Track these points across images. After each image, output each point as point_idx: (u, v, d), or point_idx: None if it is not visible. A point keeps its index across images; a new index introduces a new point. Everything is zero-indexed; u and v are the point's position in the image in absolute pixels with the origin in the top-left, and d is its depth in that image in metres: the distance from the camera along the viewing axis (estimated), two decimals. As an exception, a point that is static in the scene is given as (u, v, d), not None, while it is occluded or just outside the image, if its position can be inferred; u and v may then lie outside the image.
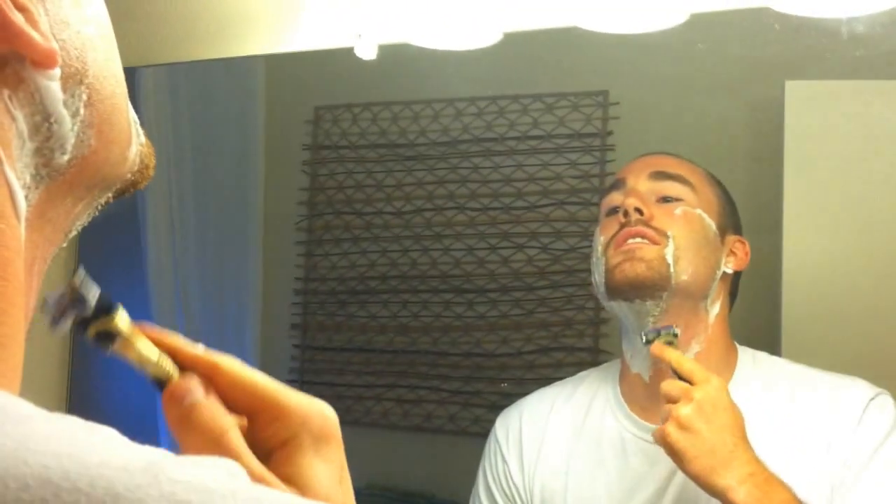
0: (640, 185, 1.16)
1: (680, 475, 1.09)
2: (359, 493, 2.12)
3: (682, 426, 1.00)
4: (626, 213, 1.13)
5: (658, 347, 1.10)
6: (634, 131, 2.13)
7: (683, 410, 1.01)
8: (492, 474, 1.27)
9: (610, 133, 2.17)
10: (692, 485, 1.06)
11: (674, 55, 2.07)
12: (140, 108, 2.30)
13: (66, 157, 0.45)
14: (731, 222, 1.20)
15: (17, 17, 0.41)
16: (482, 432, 1.37)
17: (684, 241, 1.13)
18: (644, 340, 1.11)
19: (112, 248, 2.50)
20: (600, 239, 1.18)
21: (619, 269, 1.14)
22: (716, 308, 1.16)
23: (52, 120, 0.43)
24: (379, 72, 2.37)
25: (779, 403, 1.13)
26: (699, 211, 1.16)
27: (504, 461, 1.26)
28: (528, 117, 2.26)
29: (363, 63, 2.31)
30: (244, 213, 2.57)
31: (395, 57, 2.31)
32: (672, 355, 1.09)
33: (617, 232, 1.14)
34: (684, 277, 1.12)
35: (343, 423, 2.09)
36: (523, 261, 2.22)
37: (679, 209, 1.15)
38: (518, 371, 2.16)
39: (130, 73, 2.33)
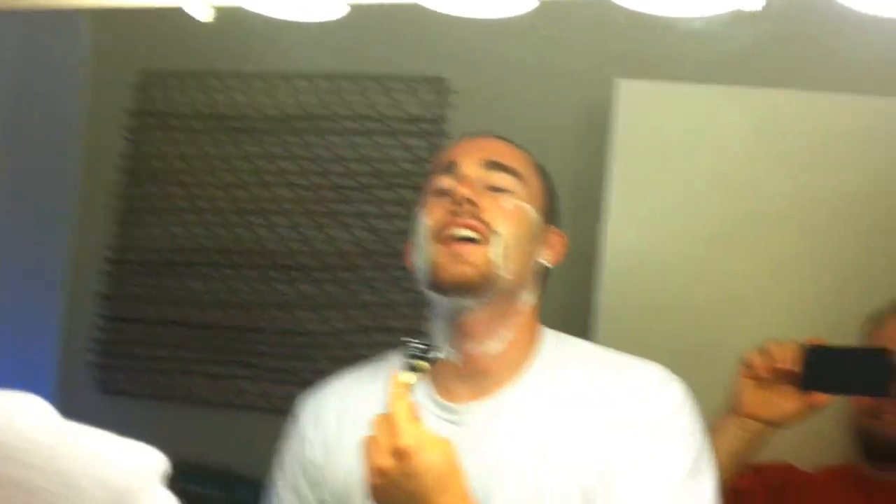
0: (472, 172, 1.13)
1: (478, 459, 1.07)
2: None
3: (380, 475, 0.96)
4: (457, 202, 1.11)
5: (395, 384, 1.02)
6: (470, 119, 2.14)
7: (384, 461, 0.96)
8: (293, 454, 1.22)
9: (446, 120, 2.17)
10: (487, 470, 1.06)
11: (512, 44, 2.09)
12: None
13: None
14: (552, 214, 1.20)
15: None
16: (292, 410, 1.34)
17: (512, 240, 1.12)
18: (406, 355, 1.04)
19: None
20: (425, 222, 1.13)
21: (444, 269, 1.11)
22: (530, 298, 1.16)
23: None
24: (212, 39, 2.29)
25: (575, 385, 1.13)
26: (528, 205, 1.15)
27: (305, 440, 1.21)
28: (365, 98, 2.24)
29: (196, 28, 2.23)
30: (60, 176, 2.43)
31: (231, 23, 2.23)
32: (399, 406, 1.00)
33: (445, 220, 1.11)
34: (508, 276, 1.11)
35: (151, 397, 2.01)
36: (350, 241, 2.19)
37: (509, 203, 1.13)
38: (337, 350, 2.13)
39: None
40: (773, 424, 1.33)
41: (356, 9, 2.06)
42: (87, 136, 2.43)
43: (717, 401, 1.37)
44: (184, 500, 2.29)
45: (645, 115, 1.84)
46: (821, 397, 1.31)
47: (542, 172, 1.21)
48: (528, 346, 1.15)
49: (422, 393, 1.13)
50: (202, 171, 2.33)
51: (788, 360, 1.33)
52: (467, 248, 1.11)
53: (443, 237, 1.12)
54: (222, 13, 2.17)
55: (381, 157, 2.20)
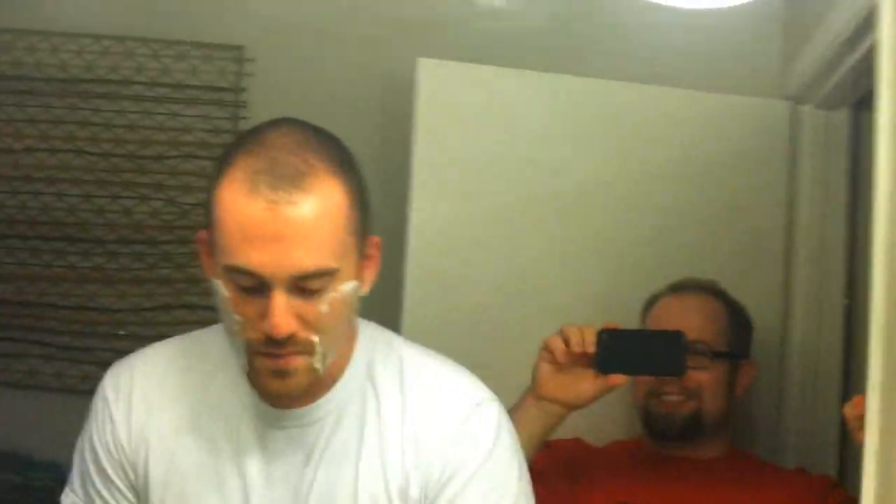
0: (282, 294, 1.03)
1: (298, 463, 1.10)
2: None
3: None
4: (276, 342, 1.05)
5: None
6: (270, 90, 2.12)
7: None
8: (98, 435, 1.14)
9: (244, 90, 2.14)
10: (306, 476, 1.09)
11: (317, 13, 2.08)
12: None
13: None
14: (364, 231, 1.11)
15: None
16: (92, 390, 1.27)
17: (330, 339, 1.06)
18: None
19: None
20: (234, 318, 1.04)
21: (266, 385, 1.08)
22: (352, 326, 1.15)
23: None
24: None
25: (390, 403, 1.13)
26: (342, 288, 1.07)
27: (111, 421, 1.13)
28: (159, 63, 2.16)
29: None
30: None
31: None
32: None
33: (262, 341, 1.05)
34: (330, 359, 1.10)
35: None
36: (147, 213, 2.13)
37: (324, 304, 1.02)
38: (136, 328, 2.08)
39: None
40: (572, 406, 1.40)
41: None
42: None
43: (516, 378, 1.44)
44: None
45: (445, 94, 1.87)
46: (617, 378, 1.37)
47: (356, 200, 1.05)
48: (345, 352, 1.15)
49: (245, 396, 1.12)
50: (-20, 134, 2.20)
51: (585, 343, 1.39)
52: (290, 365, 1.04)
53: (261, 350, 1.04)
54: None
55: (178, 125, 2.14)
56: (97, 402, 1.16)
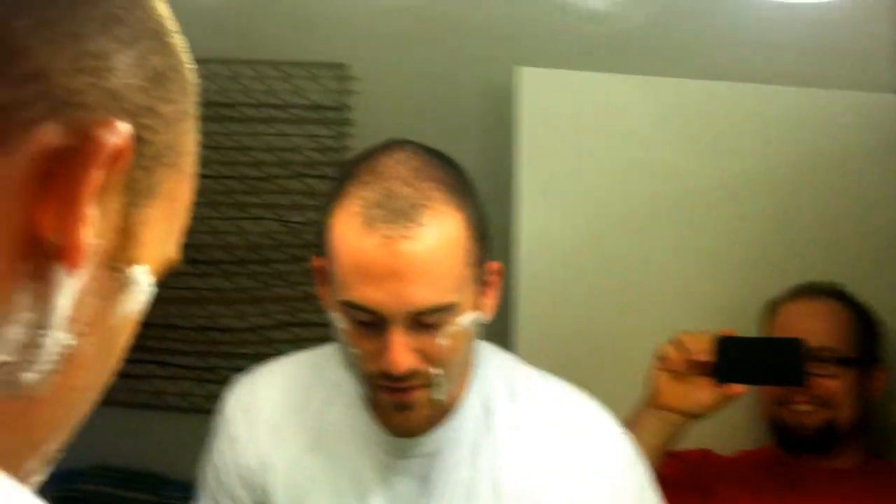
0: (401, 330, 0.99)
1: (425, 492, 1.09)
2: (84, 474, 2.04)
3: None
4: (394, 379, 1.01)
5: None
6: (373, 107, 2.14)
7: None
8: (222, 454, 1.16)
9: (348, 107, 2.16)
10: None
11: (416, 28, 2.09)
12: None
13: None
14: (483, 258, 1.08)
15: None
16: (216, 409, 1.30)
17: (450, 372, 1.03)
18: None
19: None
20: (354, 353, 1.03)
21: (391, 421, 1.06)
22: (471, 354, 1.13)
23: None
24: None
25: (501, 434, 1.11)
26: (461, 321, 1.02)
27: (236, 440, 1.15)
28: (264, 84, 2.21)
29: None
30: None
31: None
32: None
33: (380, 376, 1.04)
34: (452, 390, 1.08)
35: None
36: (260, 233, 2.18)
37: (443, 337, 1.01)
38: (255, 346, 2.13)
39: None
40: (691, 416, 1.38)
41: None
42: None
43: (632, 388, 1.42)
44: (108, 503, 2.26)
45: (547, 101, 1.86)
46: (736, 388, 1.35)
47: (474, 229, 1.02)
48: (464, 378, 1.11)
49: (365, 427, 1.13)
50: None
51: (702, 351, 1.36)
52: (411, 398, 1.03)
53: (381, 385, 1.03)
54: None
55: (286, 145, 2.18)
56: (220, 423, 1.17)
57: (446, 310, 1.00)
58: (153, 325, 2.19)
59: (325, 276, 1.05)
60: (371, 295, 0.98)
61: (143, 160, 0.43)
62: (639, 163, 1.82)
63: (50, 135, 0.38)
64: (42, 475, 0.45)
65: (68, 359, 0.41)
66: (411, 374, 1.01)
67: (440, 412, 1.07)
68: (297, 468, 1.12)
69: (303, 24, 2.20)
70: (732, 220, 1.79)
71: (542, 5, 2.01)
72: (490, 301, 1.08)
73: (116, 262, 0.43)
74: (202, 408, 2.19)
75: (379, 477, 1.12)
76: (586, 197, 1.83)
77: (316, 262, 1.08)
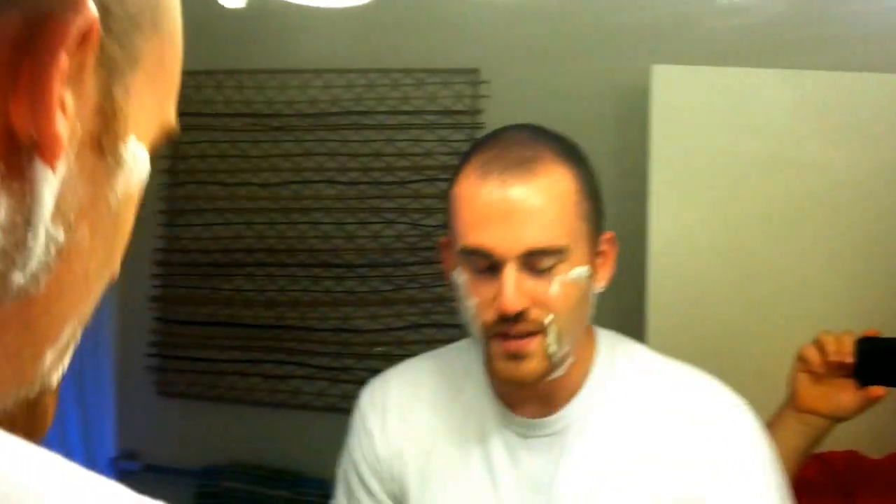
0: (514, 269, 1.07)
1: (548, 472, 1.11)
2: (224, 471, 2.10)
3: None
4: (505, 317, 1.07)
5: None
6: (504, 111, 2.14)
7: None
8: (357, 449, 1.20)
9: (480, 111, 2.18)
10: (557, 483, 1.09)
11: (546, 32, 2.09)
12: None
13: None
14: (598, 225, 1.13)
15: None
16: (351, 408, 1.34)
17: (563, 322, 1.06)
18: None
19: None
20: (471, 304, 1.07)
21: (502, 370, 1.10)
22: (587, 325, 1.15)
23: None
24: (243, 36, 2.31)
25: (638, 408, 1.14)
26: (573, 272, 1.09)
27: (369, 434, 1.19)
28: (398, 91, 2.25)
29: (228, 25, 2.25)
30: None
31: (261, 15, 2.25)
32: None
33: (494, 322, 1.08)
34: (566, 349, 1.10)
35: (206, 398, 2.05)
36: (393, 236, 2.21)
37: (555, 284, 1.05)
38: (389, 347, 2.16)
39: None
40: (833, 418, 1.32)
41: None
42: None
43: (768, 389, 1.38)
44: (247, 500, 2.35)
45: (682, 99, 1.83)
46: (878, 390, 1.28)
47: (587, 190, 1.08)
48: (586, 359, 1.16)
49: (491, 406, 1.16)
50: (242, 170, 2.36)
51: (843, 353, 1.31)
52: (524, 348, 1.06)
53: (495, 333, 1.07)
54: (252, 3, 2.16)
55: (419, 150, 2.21)
56: (355, 418, 1.21)
57: (556, 253, 1.04)
58: (290, 327, 2.27)
59: (448, 247, 1.11)
60: (487, 237, 1.04)
61: (115, 31, 0.39)
62: (776, 158, 1.77)
63: (10, 24, 0.36)
64: (62, 368, 0.43)
65: (61, 253, 0.39)
66: (523, 317, 1.04)
67: (552, 366, 1.08)
68: (428, 454, 1.16)
69: (435, 31, 2.23)
70: (875, 215, 1.72)
71: (677, 2, 1.98)
72: (605, 271, 1.12)
73: (103, 143, 0.40)
74: (337, 407, 2.25)
75: (508, 456, 1.14)
76: (722, 193, 1.79)
77: (442, 240, 1.13)
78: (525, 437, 1.14)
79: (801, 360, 1.34)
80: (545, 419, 1.13)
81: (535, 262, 1.03)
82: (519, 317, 1.05)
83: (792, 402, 1.35)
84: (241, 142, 2.36)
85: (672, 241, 1.80)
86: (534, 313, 1.05)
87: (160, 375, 2.35)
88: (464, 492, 1.14)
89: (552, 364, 1.08)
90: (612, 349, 1.17)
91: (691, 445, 1.10)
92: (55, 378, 0.42)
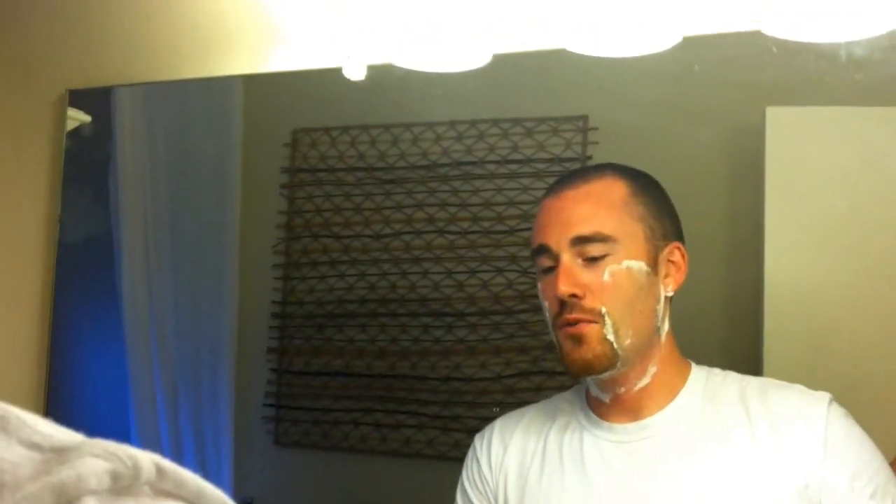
0: (566, 257, 1.18)
1: (636, 478, 1.16)
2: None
3: None
4: (559, 302, 1.19)
5: None
6: (614, 156, 2.13)
7: None
8: (467, 475, 1.34)
9: (589, 157, 2.17)
10: (642, 490, 1.13)
11: (655, 79, 2.08)
12: (116, 128, 2.28)
13: None
14: (663, 234, 1.22)
15: None
16: (461, 457, 1.42)
17: (619, 312, 1.19)
18: None
19: (87, 272, 2.48)
20: (545, 305, 1.24)
21: (568, 355, 1.22)
22: (665, 327, 1.21)
23: None
24: (358, 94, 2.37)
25: (731, 409, 1.18)
26: (626, 264, 1.18)
27: (477, 462, 1.33)
28: (509, 141, 2.26)
29: (341, 85, 2.31)
30: (221, 237, 2.55)
31: (377, 78, 2.31)
32: None
33: (555, 311, 1.19)
34: (628, 341, 1.18)
35: (320, 448, 2.09)
36: (503, 285, 2.22)
37: (606, 273, 1.16)
38: (498, 395, 2.15)
39: (107, 92, 2.31)
40: None
41: (500, 58, 2.10)
42: (244, 196, 2.54)
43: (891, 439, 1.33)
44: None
45: (797, 142, 1.79)
46: None
47: (642, 198, 1.23)
48: (675, 374, 1.23)
49: (580, 413, 1.23)
50: (355, 223, 2.40)
51: None
52: (583, 331, 1.16)
53: (559, 323, 1.19)
54: (374, 70, 2.24)
55: (528, 199, 2.21)
56: (467, 457, 1.37)
57: (603, 241, 1.16)
58: (402, 376, 2.29)
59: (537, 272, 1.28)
60: (544, 235, 1.22)
61: None
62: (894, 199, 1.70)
63: None
64: None
65: None
66: (578, 305, 1.16)
67: (614, 355, 1.17)
68: (526, 469, 1.27)
69: (546, 81, 2.25)
70: None
71: (788, 48, 1.94)
72: (674, 277, 1.23)
73: None
74: (447, 455, 2.25)
75: (601, 460, 1.22)
76: (839, 238, 1.74)
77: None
78: (617, 442, 1.21)
79: None
80: (636, 423, 1.21)
81: (585, 250, 1.19)
82: (575, 304, 1.16)
83: None
84: (353, 195, 2.40)
85: (789, 290, 1.75)
86: (588, 301, 1.16)
87: (276, 425, 2.39)
88: (557, 496, 1.22)
89: (614, 352, 1.16)
90: (707, 370, 1.25)
91: (784, 441, 1.14)
92: None
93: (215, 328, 2.47)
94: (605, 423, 1.23)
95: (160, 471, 0.33)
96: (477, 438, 1.37)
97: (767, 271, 1.75)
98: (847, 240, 1.73)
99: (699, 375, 1.23)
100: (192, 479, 0.33)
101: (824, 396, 1.20)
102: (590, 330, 1.16)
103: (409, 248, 2.32)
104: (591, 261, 1.17)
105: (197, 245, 2.54)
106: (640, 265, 1.18)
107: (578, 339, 1.17)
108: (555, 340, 1.25)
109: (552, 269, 1.20)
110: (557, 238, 1.18)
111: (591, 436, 1.23)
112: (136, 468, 0.32)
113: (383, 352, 2.32)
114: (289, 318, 2.48)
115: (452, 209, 2.28)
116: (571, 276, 1.17)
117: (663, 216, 1.23)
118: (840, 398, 1.64)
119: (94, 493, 0.31)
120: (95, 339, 2.46)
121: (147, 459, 0.33)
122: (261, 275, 2.52)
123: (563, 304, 1.19)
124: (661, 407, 1.20)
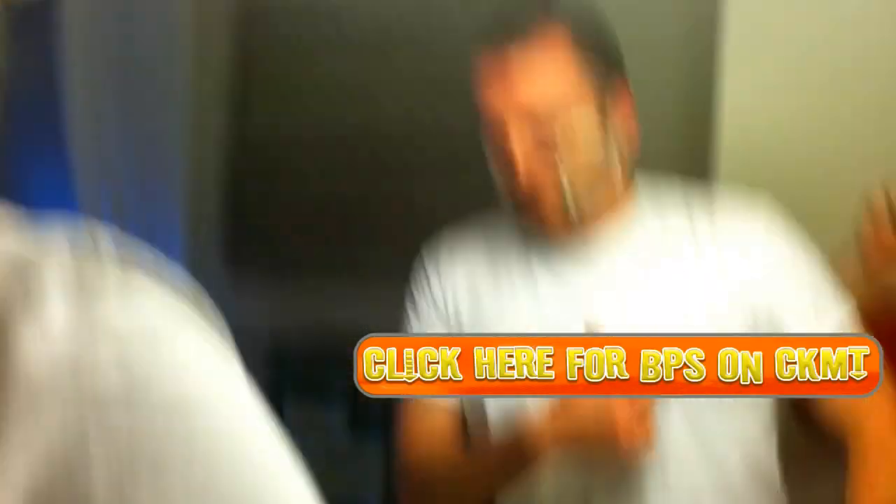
0: (517, 135, 1.16)
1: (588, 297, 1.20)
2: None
3: None
4: (518, 178, 1.16)
5: None
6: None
7: None
8: (417, 289, 1.33)
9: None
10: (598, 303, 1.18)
11: None
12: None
13: None
14: (608, 74, 1.20)
15: None
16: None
17: (579, 181, 1.16)
18: None
19: (29, 116, 2.38)
20: (497, 175, 1.21)
21: (529, 213, 1.20)
22: (615, 162, 1.20)
23: None
24: None
25: (677, 227, 1.19)
26: (577, 118, 1.16)
27: (427, 276, 1.33)
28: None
29: None
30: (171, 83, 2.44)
31: None
32: None
33: (513, 184, 1.18)
34: (583, 199, 1.17)
35: (283, 271, 1.96)
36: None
37: (561, 133, 1.15)
38: (457, 217, 2.12)
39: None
40: None
41: None
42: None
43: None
44: (328, 366, 2.35)
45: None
46: None
47: (586, 46, 1.18)
48: (622, 194, 1.22)
49: (532, 228, 1.23)
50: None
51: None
52: (538, 181, 1.15)
53: (515, 187, 1.16)
54: None
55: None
56: (417, 273, 1.34)
57: (554, 110, 1.13)
58: (360, 198, 2.20)
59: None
60: (492, 101, 1.17)
61: None
62: (851, 27, 1.67)
63: None
64: None
65: None
66: (533, 159, 1.13)
67: (569, 218, 1.17)
68: (473, 279, 1.28)
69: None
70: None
71: None
72: (622, 118, 1.19)
73: None
74: (407, 276, 2.19)
75: (550, 274, 1.24)
76: (796, 64, 1.69)
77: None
78: (567, 257, 1.22)
79: (869, 211, 1.34)
80: (585, 237, 1.22)
81: (538, 124, 1.12)
82: (533, 178, 1.13)
83: (859, 254, 1.35)
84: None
85: (744, 116, 1.71)
86: (545, 174, 1.13)
87: (231, 248, 2.33)
88: (508, 309, 1.24)
89: (572, 211, 1.17)
90: (653, 182, 1.26)
91: (727, 256, 1.18)
92: None
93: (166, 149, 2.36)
94: (555, 238, 1.23)
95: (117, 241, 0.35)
96: (429, 259, 1.34)
97: (725, 100, 1.71)
98: (806, 68, 1.68)
99: (645, 188, 1.24)
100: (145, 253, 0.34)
101: (767, 206, 1.22)
102: (548, 200, 1.15)
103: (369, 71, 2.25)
104: (545, 130, 1.13)
105: (146, 95, 2.44)
106: (589, 114, 1.16)
107: (537, 210, 1.17)
108: (507, 198, 1.22)
109: (500, 129, 1.16)
110: (514, 118, 1.15)
111: (541, 251, 1.24)
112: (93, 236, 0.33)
113: (346, 173, 2.23)
114: (245, 141, 2.36)
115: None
116: (529, 159, 1.15)
117: (608, 56, 1.21)
118: (791, 205, 1.66)
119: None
120: (44, 194, 2.38)
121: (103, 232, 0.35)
122: (213, 97, 2.38)
123: (516, 181, 1.16)
124: (609, 222, 1.21)
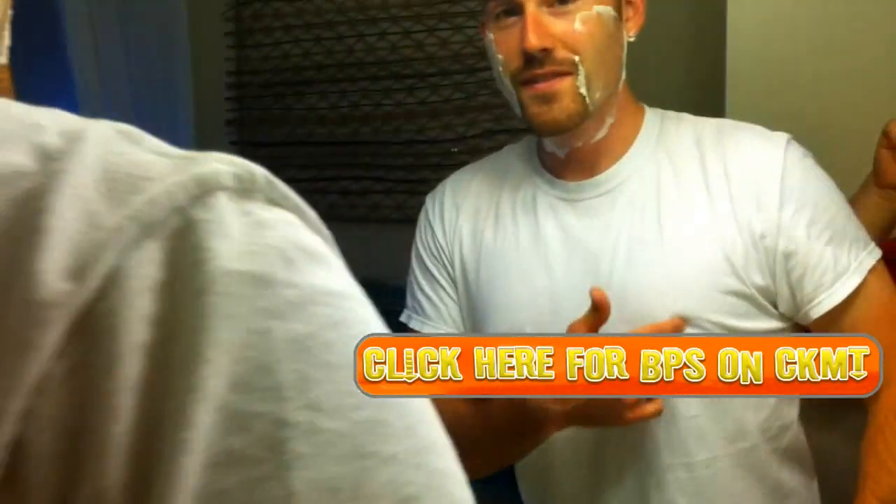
0: (532, 5, 1.06)
1: (593, 231, 1.13)
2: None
3: None
4: (529, 57, 1.07)
5: None
6: None
7: None
8: (421, 243, 1.28)
9: None
10: (602, 239, 1.12)
11: None
12: None
13: None
14: None
15: None
16: None
17: (592, 63, 1.08)
18: None
19: (34, 48, 2.37)
20: (499, 59, 1.09)
21: (536, 116, 1.10)
22: (622, 76, 1.14)
23: None
24: None
25: (686, 157, 1.14)
26: (596, 9, 1.08)
27: (431, 227, 1.26)
28: None
29: None
30: (168, 7, 2.43)
31: None
32: None
33: (521, 66, 1.08)
34: (598, 94, 1.09)
35: None
36: (463, 41, 2.15)
37: (578, 20, 1.07)
38: (463, 156, 2.13)
39: None
40: None
41: None
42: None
43: (850, 170, 1.34)
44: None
45: None
46: None
47: None
48: (629, 125, 1.15)
49: (532, 171, 1.18)
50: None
51: None
52: (555, 88, 1.06)
53: (523, 79, 1.07)
54: None
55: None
56: (420, 217, 1.28)
57: None
58: (366, 142, 2.25)
59: (483, 26, 1.13)
60: None
61: None
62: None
63: None
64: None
65: None
66: (549, 57, 1.05)
67: (584, 110, 1.09)
68: (482, 232, 1.21)
69: None
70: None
71: None
72: (635, 20, 1.13)
73: None
74: (415, 218, 2.24)
75: (555, 221, 1.17)
76: None
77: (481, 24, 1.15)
78: (571, 201, 1.16)
79: (886, 135, 1.31)
80: (590, 180, 1.15)
81: None
82: (545, 58, 1.05)
83: (875, 180, 1.32)
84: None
85: (752, 26, 1.70)
86: (560, 53, 1.05)
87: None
88: (512, 260, 1.18)
89: (585, 108, 1.10)
90: (661, 117, 1.18)
91: (739, 190, 1.10)
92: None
93: (170, 104, 2.40)
94: (559, 182, 1.17)
95: (269, 182, 0.35)
96: (428, 200, 1.30)
97: (730, 7, 1.70)
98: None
99: (653, 121, 1.17)
100: (292, 193, 0.35)
101: (782, 138, 1.15)
102: (562, 86, 1.05)
103: (363, 8, 2.23)
104: (561, 5, 1.08)
105: (144, 18, 2.42)
106: (608, 10, 1.10)
107: (549, 98, 1.08)
108: (515, 99, 1.16)
109: (510, 14, 1.10)
110: None
111: (545, 195, 1.18)
112: (252, 176, 0.34)
113: (346, 118, 2.27)
114: (245, 89, 2.42)
115: (408, -37, 2.18)
116: (541, 26, 1.06)
117: None
118: (802, 137, 1.64)
119: (225, 189, 0.33)
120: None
121: (259, 170, 0.35)
122: (212, 45, 2.43)
123: (528, 60, 1.09)
124: (616, 160, 1.15)
